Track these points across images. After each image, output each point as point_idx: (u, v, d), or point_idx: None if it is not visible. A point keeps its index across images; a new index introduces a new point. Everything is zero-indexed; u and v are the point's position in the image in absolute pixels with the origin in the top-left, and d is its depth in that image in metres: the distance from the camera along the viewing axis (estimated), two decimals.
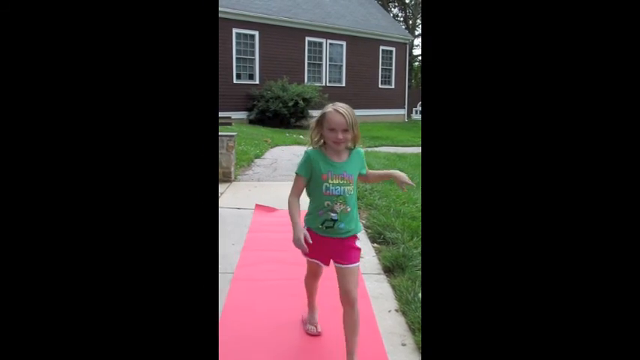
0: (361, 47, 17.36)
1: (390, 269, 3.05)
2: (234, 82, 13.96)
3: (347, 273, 1.94)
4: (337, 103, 1.94)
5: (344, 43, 16.79)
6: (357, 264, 1.98)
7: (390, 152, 9.73)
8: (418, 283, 2.71)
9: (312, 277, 2.20)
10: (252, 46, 14.28)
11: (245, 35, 14.05)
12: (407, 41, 19.64)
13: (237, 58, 13.96)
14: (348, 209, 1.94)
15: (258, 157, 7.68)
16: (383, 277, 2.98)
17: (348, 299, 1.93)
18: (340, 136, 1.86)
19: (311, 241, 1.88)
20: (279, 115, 13.56)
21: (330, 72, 16.58)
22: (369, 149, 10.34)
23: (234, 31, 13.70)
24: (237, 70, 14.04)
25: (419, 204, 4.60)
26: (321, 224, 1.94)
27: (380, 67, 18.36)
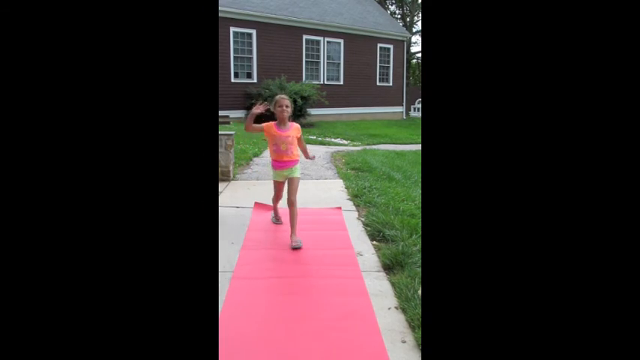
0: (359, 45, 17.34)
1: (390, 267, 3.05)
2: (232, 80, 13.94)
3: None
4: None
5: (341, 41, 16.76)
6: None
7: (389, 150, 9.74)
8: (417, 280, 2.71)
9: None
10: (250, 44, 14.25)
11: (242, 34, 14.03)
12: (404, 39, 19.61)
13: (234, 57, 13.93)
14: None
15: (256, 155, 7.67)
16: (382, 274, 2.98)
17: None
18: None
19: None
20: None
21: (327, 70, 16.57)
22: (368, 147, 10.34)
23: (232, 29, 13.68)
24: (234, 68, 14.02)
25: (417, 201, 4.61)
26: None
27: (378, 64, 18.34)
